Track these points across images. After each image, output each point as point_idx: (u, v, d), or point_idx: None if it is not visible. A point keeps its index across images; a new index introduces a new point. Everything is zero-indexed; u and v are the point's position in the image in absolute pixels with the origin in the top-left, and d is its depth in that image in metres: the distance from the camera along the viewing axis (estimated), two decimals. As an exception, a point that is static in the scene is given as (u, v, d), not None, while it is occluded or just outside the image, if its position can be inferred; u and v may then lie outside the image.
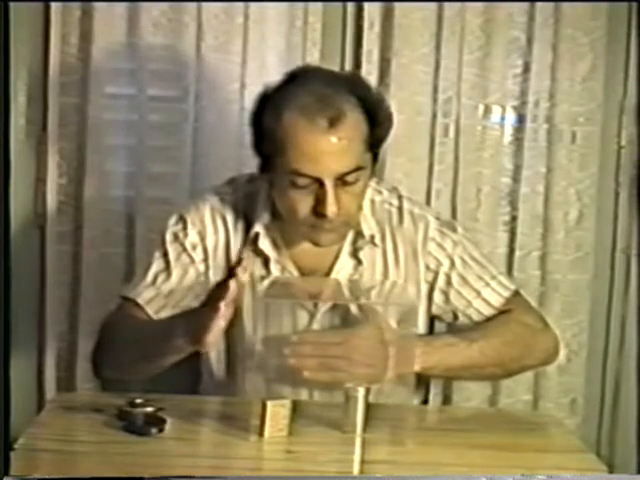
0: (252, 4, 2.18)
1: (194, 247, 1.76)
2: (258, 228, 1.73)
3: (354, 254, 1.75)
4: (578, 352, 2.32)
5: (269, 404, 1.45)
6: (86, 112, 2.17)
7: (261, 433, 1.46)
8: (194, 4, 2.17)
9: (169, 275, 1.75)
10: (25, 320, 2.19)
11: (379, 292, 1.71)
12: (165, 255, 1.77)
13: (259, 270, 1.74)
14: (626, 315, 2.35)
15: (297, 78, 1.64)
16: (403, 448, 1.49)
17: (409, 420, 1.54)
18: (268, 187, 1.71)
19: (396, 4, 2.20)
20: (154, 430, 1.47)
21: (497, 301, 1.79)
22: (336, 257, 1.75)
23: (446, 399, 2.25)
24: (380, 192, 1.79)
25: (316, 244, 1.68)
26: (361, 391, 1.50)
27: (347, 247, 1.75)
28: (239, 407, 1.56)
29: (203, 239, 1.76)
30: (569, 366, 2.30)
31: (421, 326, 1.79)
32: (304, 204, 1.62)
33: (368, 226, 1.75)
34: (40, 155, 2.21)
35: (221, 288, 1.46)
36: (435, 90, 2.23)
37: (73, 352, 2.23)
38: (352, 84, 1.65)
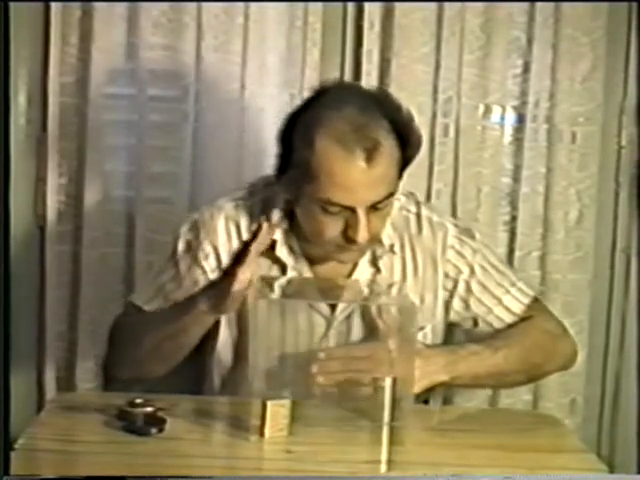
0: (252, 4, 2.18)
1: (206, 257, 1.72)
2: (275, 235, 1.69)
3: (373, 262, 1.73)
4: (578, 352, 2.32)
5: (269, 404, 1.45)
6: (86, 112, 2.16)
7: (261, 433, 1.46)
8: (194, 4, 2.17)
9: (179, 285, 1.73)
10: (25, 320, 2.19)
11: (399, 289, 1.71)
12: (176, 264, 1.74)
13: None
14: (626, 315, 2.35)
15: (327, 97, 1.60)
16: (403, 448, 1.49)
17: (409, 420, 1.54)
18: (292, 203, 1.66)
19: (396, 4, 2.20)
20: (154, 430, 1.47)
21: (518, 308, 1.78)
22: (355, 265, 1.72)
23: (447, 399, 2.24)
24: (398, 199, 1.74)
25: (340, 262, 1.68)
26: (388, 381, 1.52)
27: (367, 255, 1.72)
28: (239, 407, 1.55)
29: (216, 248, 1.72)
30: (569, 366, 2.30)
31: (438, 334, 1.79)
32: (333, 228, 1.60)
33: (387, 235, 1.72)
34: (40, 155, 2.20)
35: (241, 252, 1.52)
36: (435, 90, 2.23)
37: (73, 352, 2.22)
38: (384, 105, 1.61)
